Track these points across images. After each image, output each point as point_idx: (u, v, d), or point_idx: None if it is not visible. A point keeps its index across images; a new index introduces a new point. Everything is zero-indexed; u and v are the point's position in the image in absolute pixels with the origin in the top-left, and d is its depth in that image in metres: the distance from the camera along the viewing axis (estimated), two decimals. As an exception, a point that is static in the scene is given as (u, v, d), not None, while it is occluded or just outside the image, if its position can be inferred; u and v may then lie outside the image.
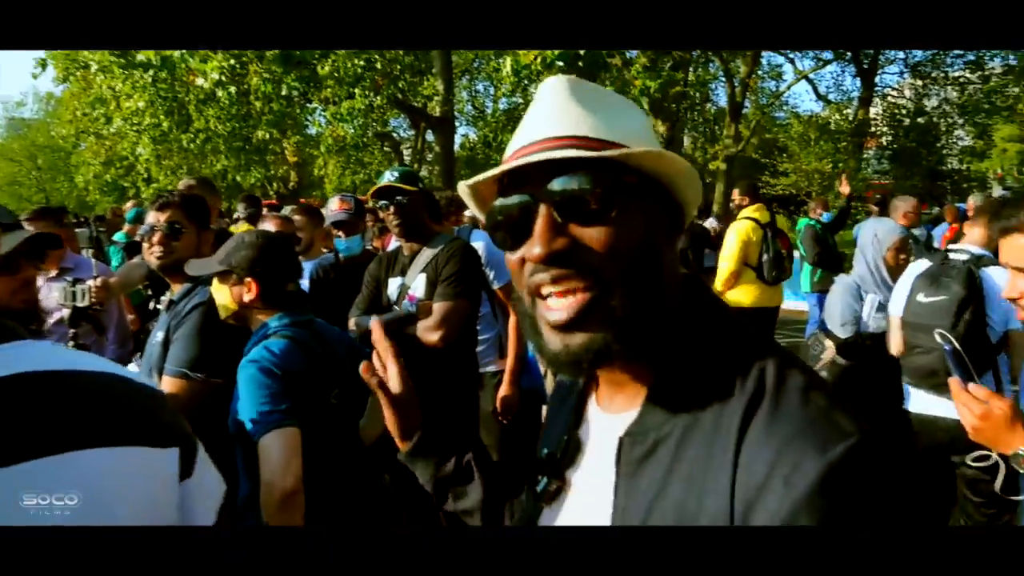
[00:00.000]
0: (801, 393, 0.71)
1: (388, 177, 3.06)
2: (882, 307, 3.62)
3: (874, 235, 3.75)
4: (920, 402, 3.02)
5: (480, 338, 3.58)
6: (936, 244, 7.52)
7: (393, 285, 3.13)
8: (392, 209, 2.99)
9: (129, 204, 8.85)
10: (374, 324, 1.17)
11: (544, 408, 4.30)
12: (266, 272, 2.16)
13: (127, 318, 4.81)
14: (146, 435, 0.90)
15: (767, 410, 0.70)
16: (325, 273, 3.69)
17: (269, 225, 3.92)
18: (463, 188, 0.88)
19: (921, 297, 2.98)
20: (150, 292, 5.00)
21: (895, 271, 3.57)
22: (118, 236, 7.23)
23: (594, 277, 0.75)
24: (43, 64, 12.00)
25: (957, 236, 7.31)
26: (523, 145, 0.81)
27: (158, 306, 2.87)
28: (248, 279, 2.15)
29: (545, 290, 0.77)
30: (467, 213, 4.77)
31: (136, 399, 0.93)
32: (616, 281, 0.75)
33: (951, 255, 3.06)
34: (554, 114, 0.81)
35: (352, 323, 3.08)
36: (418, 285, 3.01)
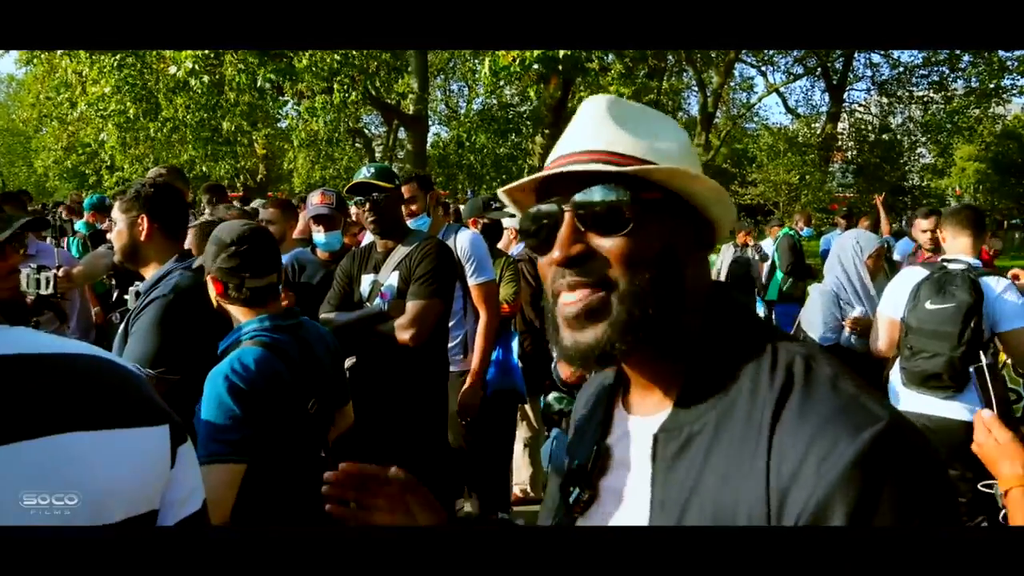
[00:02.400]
0: (830, 381, 0.74)
1: (364, 173, 3.03)
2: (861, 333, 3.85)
3: (856, 242, 4.02)
4: (919, 404, 3.16)
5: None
6: (898, 257, 7.71)
7: (366, 282, 3.10)
8: (367, 205, 2.97)
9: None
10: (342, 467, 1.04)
11: (514, 410, 4.30)
12: (227, 271, 2.03)
13: (90, 308, 4.71)
14: (133, 415, 0.90)
15: (798, 399, 0.73)
16: (300, 266, 3.65)
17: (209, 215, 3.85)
18: (501, 194, 0.94)
19: (928, 304, 3.12)
20: (114, 282, 4.90)
21: (872, 276, 3.92)
22: (79, 225, 7.04)
23: (603, 281, 0.81)
24: (5, 45, 11.65)
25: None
26: (560, 156, 0.87)
27: (125, 296, 2.80)
28: (210, 276, 2.05)
29: (562, 291, 0.84)
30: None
31: (117, 380, 0.92)
32: (625, 287, 0.81)
33: (949, 264, 3.23)
34: (590, 129, 0.87)
35: (322, 319, 3.04)
36: (391, 283, 2.98)
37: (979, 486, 1.74)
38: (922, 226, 5.67)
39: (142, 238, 2.44)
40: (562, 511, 0.94)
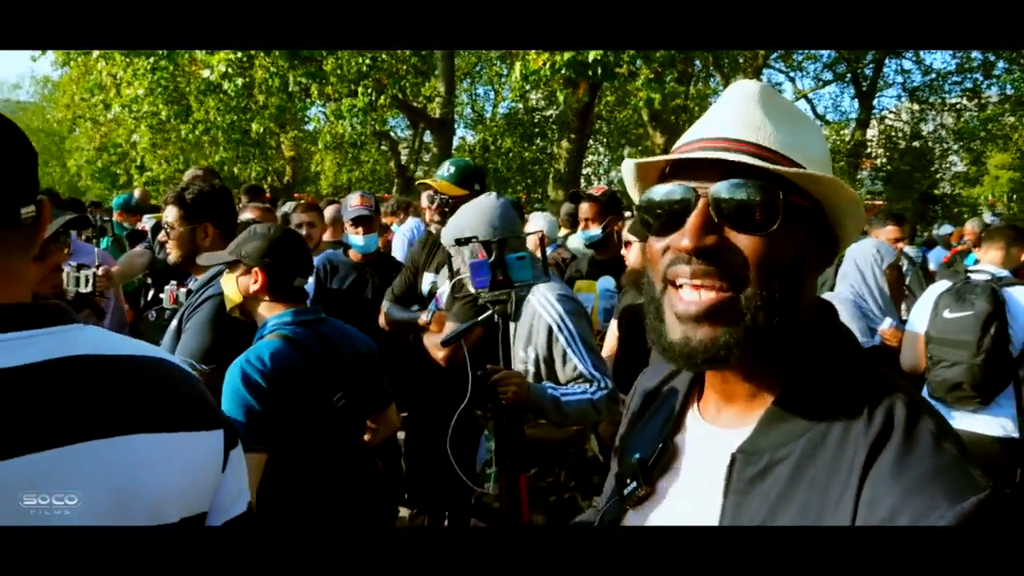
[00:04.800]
0: (933, 438, 0.70)
1: (444, 172, 3.00)
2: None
3: (875, 251, 3.92)
4: (950, 419, 3.07)
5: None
6: (932, 266, 7.56)
7: (427, 280, 3.08)
8: (435, 204, 2.94)
9: (137, 192, 8.76)
10: None
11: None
12: (274, 264, 2.13)
13: (124, 306, 4.77)
14: (194, 419, 0.92)
15: (897, 449, 0.69)
16: (332, 268, 3.66)
17: (249, 214, 3.89)
18: (629, 163, 0.88)
19: (947, 313, 3.10)
20: (149, 281, 4.96)
21: (890, 287, 3.83)
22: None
23: (733, 281, 0.76)
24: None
25: (953, 258, 7.39)
26: (700, 139, 0.81)
27: (160, 295, 2.84)
28: (255, 269, 2.12)
29: (681, 281, 0.77)
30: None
31: (182, 384, 0.94)
32: (752, 290, 0.76)
33: (972, 275, 3.20)
34: (738, 116, 0.81)
35: (382, 314, 3.02)
36: (444, 290, 2.89)
37: None
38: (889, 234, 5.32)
39: (206, 245, 2.49)
40: (616, 502, 0.92)
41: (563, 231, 6.41)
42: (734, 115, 0.81)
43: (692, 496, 0.84)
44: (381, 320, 3.04)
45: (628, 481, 0.90)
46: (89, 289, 3.04)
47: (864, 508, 0.67)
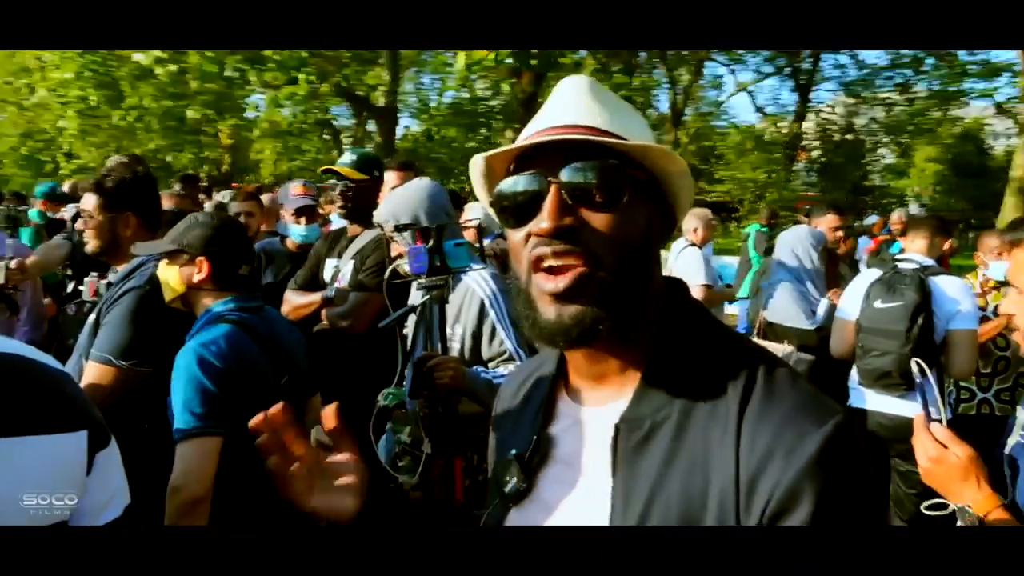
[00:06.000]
0: (789, 379, 0.80)
1: (346, 160, 3.07)
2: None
3: (810, 236, 4.23)
4: (876, 403, 3.24)
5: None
6: (857, 255, 7.83)
7: (329, 266, 3.10)
8: (338, 190, 2.98)
9: (67, 185, 8.38)
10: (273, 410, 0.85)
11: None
12: (219, 253, 2.07)
13: (42, 300, 4.57)
14: (52, 421, 0.86)
15: (761, 394, 0.78)
16: (268, 257, 3.59)
17: (167, 203, 3.78)
18: (477, 160, 0.90)
19: (877, 303, 3.20)
20: (68, 273, 4.77)
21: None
22: (32, 214, 6.83)
23: (591, 258, 0.79)
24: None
25: (880, 247, 7.67)
26: (541, 129, 0.85)
27: (80, 287, 2.72)
28: (200, 258, 2.05)
29: (545, 263, 0.80)
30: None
31: (41, 383, 0.88)
32: (612, 264, 0.79)
33: (900, 264, 3.30)
34: (572, 105, 0.86)
35: (284, 303, 3.04)
36: (347, 270, 2.98)
37: (923, 508, 1.59)
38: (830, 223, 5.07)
39: (127, 234, 2.39)
40: (497, 501, 0.91)
41: None
42: (567, 105, 0.86)
43: (578, 479, 0.86)
44: (284, 308, 3.04)
45: (507, 479, 0.90)
46: (1, 282, 2.90)
47: (745, 448, 0.74)
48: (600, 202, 0.79)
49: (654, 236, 0.85)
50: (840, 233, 4.76)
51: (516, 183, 0.83)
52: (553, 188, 0.79)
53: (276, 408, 0.83)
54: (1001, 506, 1.41)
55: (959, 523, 1.45)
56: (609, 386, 0.86)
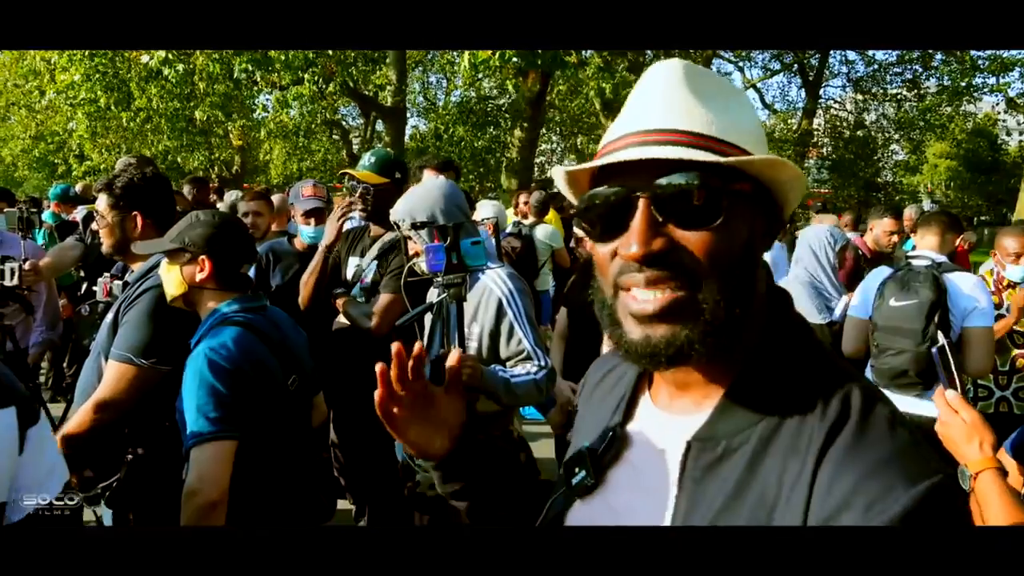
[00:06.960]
0: (888, 423, 0.70)
1: (365, 162, 3.07)
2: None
3: (829, 235, 4.21)
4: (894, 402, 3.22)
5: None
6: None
7: (351, 265, 3.10)
8: (358, 193, 2.97)
9: (79, 186, 8.43)
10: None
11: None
12: (222, 251, 2.07)
13: (58, 301, 4.60)
14: None
15: (851, 434, 0.68)
16: (276, 257, 3.59)
17: (178, 205, 3.80)
18: (559, 172, 0.83)
19: (892, 301, 3.16)
20: (82, 274, 4.79)
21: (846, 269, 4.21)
22: (45, 216, 6.87)
23: (687, 280, 0.72)
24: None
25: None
26: (628, 133, 0.76)
27: (94, 287, 2.74)
28: (202, 257, 2.04)
29: (633, 287, 0.73)
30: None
31: None
32: (710, 285, 0.72)
33: (913, 261, 3.27)
34: (665, 103, 0.75)
35: (342, 311, 3.05)
36: (369, 271, 2.99)
37: None
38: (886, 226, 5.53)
39: (136, 235, 2.40)
40: (564, 492, 0.88)
41: (530, 219, 6.40)
42: (659, 101, 0.76)
43: (644, 487, 0.81)
44: (302, 293, 3.07)
45: (576, 471, 0.87)
46: (14, 282, 2.92)
47: (819, 493, 0.66)
48: (695, 220, 0.71)
49: (757, 245, 0.77)
50: (895, 237, 4.72)
51: (600, 195, 0.75)
52: (642, 203, 0.71)
53: (397, 345, 0.87)
54: (996, 469, 1.54)
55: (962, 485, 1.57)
56: (691, 395, 0.80)
